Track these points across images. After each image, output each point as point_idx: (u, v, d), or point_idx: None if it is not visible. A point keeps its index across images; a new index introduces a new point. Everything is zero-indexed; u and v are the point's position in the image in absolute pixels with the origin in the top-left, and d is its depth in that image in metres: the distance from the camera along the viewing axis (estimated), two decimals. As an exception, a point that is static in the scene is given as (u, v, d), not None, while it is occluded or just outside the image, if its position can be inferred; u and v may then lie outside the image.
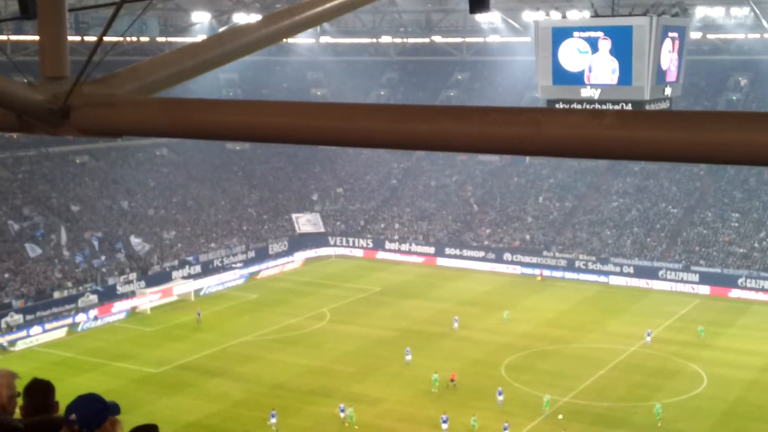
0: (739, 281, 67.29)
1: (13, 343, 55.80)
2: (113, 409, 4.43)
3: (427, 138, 4.89)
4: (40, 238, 66.90)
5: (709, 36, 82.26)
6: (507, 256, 76.23)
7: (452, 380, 47.28)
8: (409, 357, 51.33)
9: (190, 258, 71.75)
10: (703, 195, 78.67)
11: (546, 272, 73.44)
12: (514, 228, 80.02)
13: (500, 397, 45.00)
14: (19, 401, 4.99)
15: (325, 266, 78.41)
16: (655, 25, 29.03)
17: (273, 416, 42.42)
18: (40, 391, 4.99)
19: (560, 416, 43.06)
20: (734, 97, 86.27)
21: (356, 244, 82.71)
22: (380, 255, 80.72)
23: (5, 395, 4.71)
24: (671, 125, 4.40)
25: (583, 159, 72.06)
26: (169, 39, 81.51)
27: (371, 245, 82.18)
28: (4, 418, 4.69)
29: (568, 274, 72.43)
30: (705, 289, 67.47)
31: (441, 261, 78.03)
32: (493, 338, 56.36)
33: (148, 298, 64.51)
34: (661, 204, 78.60)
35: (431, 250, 79.53)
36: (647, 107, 29.57)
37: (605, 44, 30.39)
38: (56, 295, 61.74)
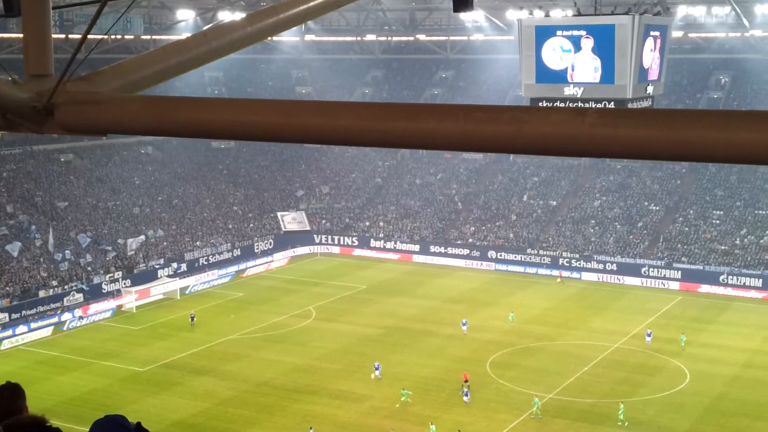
0: (721, 278, 67.70)
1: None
2: None
3: (411, 136, 4.92)
4: (26, 237, 66.52)
5: (691, 35, 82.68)
6: (491, 253, 76.42)
7: (465, 381, 46.90)
8: (377, 373, 48.41)
9: (174, 264, 71.41)
10: (685, 193, 79.08)
11: (530, 270, 73.67)
12: (498, 226, 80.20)
13: (466, 398, 44.85)
14: None
15: (311, 264, 78.37)
16: (637, 24, 29.21)
17: None
18: (3, 395, 4.97)
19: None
20: (715, 96, 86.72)
21: (341, 242, 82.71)
22: (365, 253, 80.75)
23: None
24: (653, 123, 4.44)
25: (566, 157, 72.47)
26: (154, 37, 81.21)
27: (356, 243, 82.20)
28: None
29: (552, 272, 72.67)
30: (687, 286, 67.83)
31: (425, 258, 78.13)
32: (478, 335, 56.49)
33: (134, 297, 64.30)
34: (643, 202, 78.96)
35: (416, 247, 79.62)
36: (629, 105, 29.76)
37: (588, 43, 30.53)
38: (42, 294, 61.45)
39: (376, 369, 48.67)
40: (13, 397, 4.98)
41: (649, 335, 55.07)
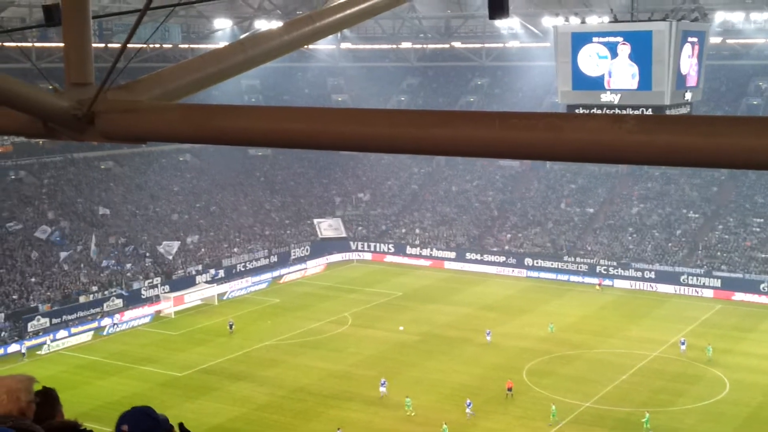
0: (761, 286, 66.71)
1: (39, 347, 56.24)
2: (164, 423, 4.41)
3: (447, 143, 4.92)
4: (66, 243, 67.37)
5: (729, 41, 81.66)
6: (527, 261, 76.03)
7: (509, 389, 46.73)
8: (383, 389, 46.99)
9: (212, 270, 71.87)
10: (724, 200, 78.13)
11: (566, 277, 73.16)
12: (535, 233, 79.79)
13: (468, 410, 44.23)
14: None
15: (347, 271, 78.50)
16: (674, 30, 28.93)
17: None
18: (39, 400, 5.03)
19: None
20: (755, 102, 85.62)
21: (378, 249, 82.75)
22: (401, 260, 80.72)
23: (24, 400, 4.75)
24: (692, 130, 4.40)
25: (604, 164, 71.85)
26: (192, 46, 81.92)
27: (392, 250, 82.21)
28: (25, 423, 4.73)
29: (589, 279, 72.13)
30: (726, 294, 66.97)
31: (462, 266, 77.88)
32: (514, 343, 56.20)
33: (172, 302, 64.83)
34: (681, 209, 78.13)
35: (452, 254, 79.44)
36: (667, 112, 29.47)
37: (624, 49, 30.29)
38: (82, 299, 62.23)
39: (382, 385, 47.12)
40: (47, 402, 5.04)
41: (683, 343, 54.47)
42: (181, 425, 4.66)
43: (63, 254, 65.14)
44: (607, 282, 71.39)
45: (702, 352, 53.14)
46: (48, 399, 5.05)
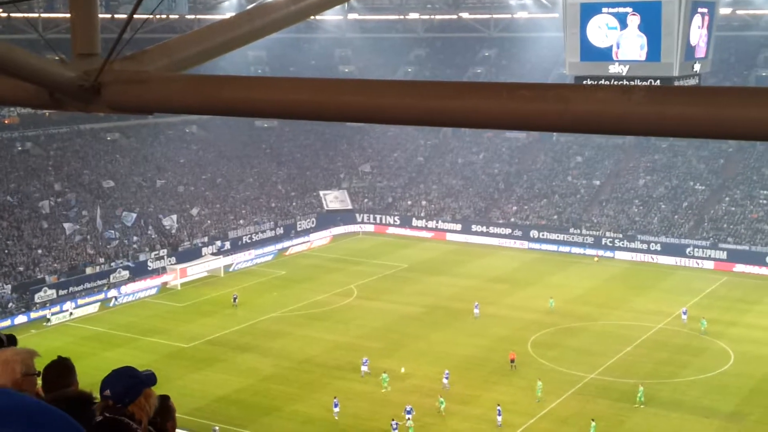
0: (767, 258, 66.71)
1: (46, 318, 56.59)
2: (148, 380, 4.43)
3: (454, 115, 4.90)
4: (73, 215, 67.53)
5: (739, 12, 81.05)
6: (534, 233, 76.06)
7: (512, 361, 47.00)
8: (365, 368, 46.24)
9: (218, 242, 71.98)
10: (732, 172, 77.89)
11: (573, 249, 73.24)
12: (541, 205, 79.73)
13: (445, 381, 44.24)
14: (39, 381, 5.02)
15: (353, 243, 78.63)
16: (684, 1, 28.68)
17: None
18: (53, 370, 5.06)
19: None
20: (764, 73, 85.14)
21: (384, 221, 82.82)
22: (407, 232, 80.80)
23: (19, 372, 4.73)
24: (701, 101, 4.38)
25: (611, 136, 71.65)
26: (198, 16, 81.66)
27: (398, 222, 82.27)
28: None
29: (594, 252, 72.19)
30: (732, 266, 66.97)
31: (468, 238, 77.96)
32: (520, 315, 56.35)
33: (179, 274, 65.04)
34: (688, 181, 77.95)
35: (458, 227, 79.47)
36: (676, 83, 29.31)
37: (634, 20, 30.05)
38: (89, 270, 62.46)
39: (364, 364, 46.46)
40: (63, 373, 5.06)
41: (684, 313, 54.84)
42: (163, 398, 4.68)
43: (67, 226, 65.22)
44: (614, 254, 71.41)
45: (707, 324, 53.22)
46: (63, 369, 5.08)
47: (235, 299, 60.33)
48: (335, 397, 41.98)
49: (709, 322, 53.44)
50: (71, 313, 57.66)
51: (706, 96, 4.43)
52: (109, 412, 4.23)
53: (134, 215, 69.28)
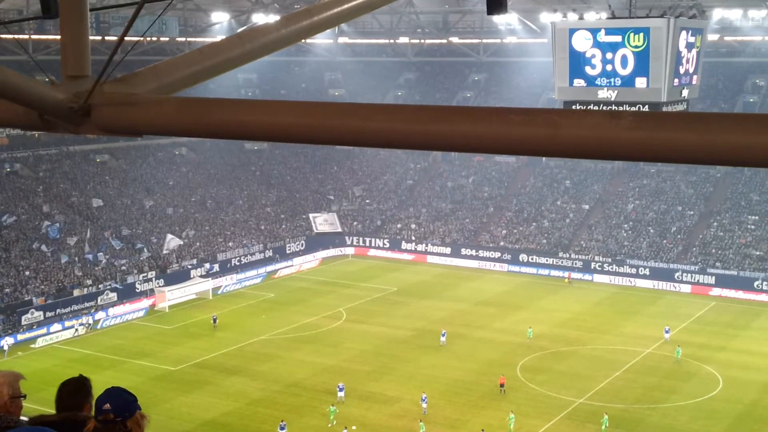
0: (755, 284, 66.91)
1: (33, 340, 56.16)
2: (136, 401, 4.53)
3: (444, 139, 4.90)
4: (60, 237, 67.24)
5: (727, 38, 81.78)
6: (523, 257, 76.14)
7: (501, 385, 46.82)
8: (341, 393, 45.66)
9: (207, 265, 71.79)
10: (720, 197, 78.26)
11: (561, 273, 73.28)
12: (530, 229, 79.88)
13: (424, 404, 43.90)
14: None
15: (342, 266, 78.52)
16: (672, 27, 28.96)
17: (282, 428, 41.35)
18: (67, 388, 5.03)
19: None
20: (751, 99, 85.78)
21: (373, 244, 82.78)
22: (397, 255, 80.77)
23: (6, 395, 4.70)
24: (689, 127, 4.39)
25: (600, 161, 71.93)
26: (189, 39, 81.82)
27: (388, 245, 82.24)
28: (7, 419, 4.67)
29: (584, 276, 72.28)
30: (721, 292, 67.14)
31: (457, 261, 77.97)
32: (509, 339, 56.28)
33: (167, 297, 64.73)
34: (677, 206, 78.27)
35: (447, 250, 79.51)
36: (664, 109, 29.51)
37: (623, 46, 30.28)
38: (76, 292, 62.15)
39: (340, 390, 45.81)
40: (76, 392, 5.00)
41: (667, 332, 55.06)
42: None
43: (64, 258, 64.95)
44: (599, 278, 71.51)
45: (695, 349, 53.25)
46: (77, 387, 5.03)
47: (215, 320, 60.05)
48: (282, 421, 41.58)
49: (696, 347, 53.47)
50: (58, 336, 57.28)
51: (694, 122, 4.45)
52: (107, 426, 4.29)
53: (178, 240, 69.50)
